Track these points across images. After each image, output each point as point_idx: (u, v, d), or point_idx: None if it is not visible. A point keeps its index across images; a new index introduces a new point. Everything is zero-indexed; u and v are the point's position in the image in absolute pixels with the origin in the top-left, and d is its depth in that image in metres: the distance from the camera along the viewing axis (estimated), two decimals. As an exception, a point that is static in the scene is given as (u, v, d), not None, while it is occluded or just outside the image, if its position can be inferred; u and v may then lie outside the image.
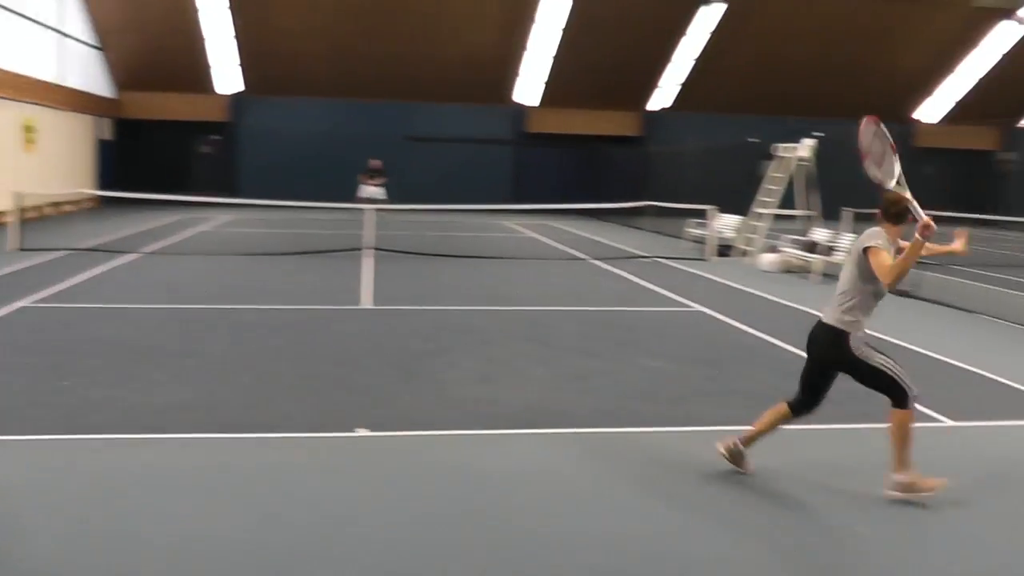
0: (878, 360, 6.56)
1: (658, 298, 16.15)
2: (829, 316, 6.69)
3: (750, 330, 13.06)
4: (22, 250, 20.36)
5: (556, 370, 10.27)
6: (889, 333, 13.01)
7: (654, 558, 5.57)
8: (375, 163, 34.10)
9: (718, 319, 14.02)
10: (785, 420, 6.98)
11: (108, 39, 38.14)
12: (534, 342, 11.83)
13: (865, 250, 6.45)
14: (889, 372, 6.53)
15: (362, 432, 7.83)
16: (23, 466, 6.99)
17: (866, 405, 7.99)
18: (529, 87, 42.02)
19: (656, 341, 12.10)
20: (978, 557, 5.80)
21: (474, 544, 5.68)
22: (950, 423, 8.71)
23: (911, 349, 12.07)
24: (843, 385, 6.94)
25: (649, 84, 42.54)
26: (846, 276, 6.67)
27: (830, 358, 6.73)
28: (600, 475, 6.97)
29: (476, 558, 5.49)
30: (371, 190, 33.56)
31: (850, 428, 8.47)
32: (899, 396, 6.54)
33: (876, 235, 6.54)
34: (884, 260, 6.33)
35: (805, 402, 6.93)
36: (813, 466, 7.37)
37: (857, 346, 6.56)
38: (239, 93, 41.11)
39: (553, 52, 39.67)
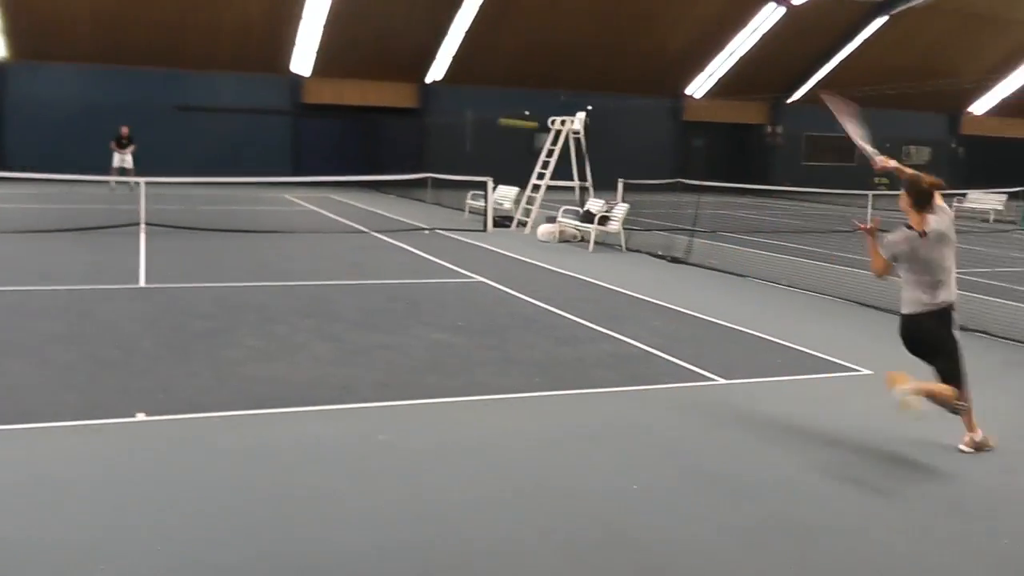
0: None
1: (439, 269, 16.28)
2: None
3: (529, 299, 13.32)
4: None
5: (339, 345, 10.24)
6: (663, 298, 13.54)
7: (450, 529, 5.65)
8: (124, 130, 33.10)
9: (498, 289, 14.25)
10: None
11: None
12: (316, 317, 11.74)
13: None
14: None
15: (141, 417, 7.62)
16: None
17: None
18: (304, 57, 41.40)
19: (438, 312, 12.20)
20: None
21: (260, 526, 5.62)
22: (723, 381, 9.10)
23: (685, 312, 12.57)
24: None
25: (425, 56, 42.58)
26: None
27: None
28: (386, 449, 7.01)
29: (262, 541, 5.44)
30: (121, 157, 32.64)
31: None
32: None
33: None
34: None
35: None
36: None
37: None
38: (2, 60, 39.04)
39: (324, 20, 39.14)
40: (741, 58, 45.05)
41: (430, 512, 5.86)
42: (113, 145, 33.08)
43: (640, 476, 6.56)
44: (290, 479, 6.37)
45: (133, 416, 7.62)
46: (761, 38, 43.67)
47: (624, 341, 10.72)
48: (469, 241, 20.53)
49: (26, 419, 7.58)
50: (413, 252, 18.39)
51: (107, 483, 6.27)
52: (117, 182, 31.33)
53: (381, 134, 42.33)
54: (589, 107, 23.67)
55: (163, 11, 37.66)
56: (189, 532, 5.51)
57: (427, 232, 22.02)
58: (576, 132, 23.21)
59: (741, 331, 11.52)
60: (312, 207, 29.25)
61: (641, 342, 10.64)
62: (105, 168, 31.52)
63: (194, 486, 6.22)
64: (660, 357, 10.00)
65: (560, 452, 7.03)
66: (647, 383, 9.06)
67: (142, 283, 14.25)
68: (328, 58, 41.19)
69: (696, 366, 9.60)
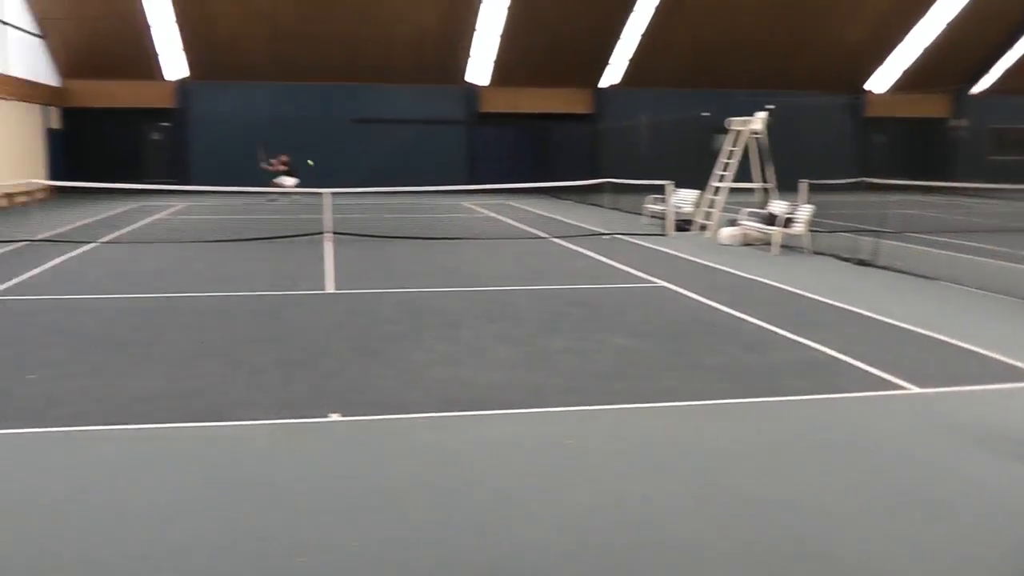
0: None
1: (620, 274, 16.19)
2: None
3: (713, 304, 13.12)
4: (-29, 243, 20.19)
5: (523, 350, 10.26)
6: (850, 302, 13.16)
7: (638, 533, 5.58)
8: (283, 157, 34.41)
9: (681, 294, 14.08)
10: None
11: (49, 27, 37.62)
12: (499, 322, 11.83)
13: None
14: None
15: (335, 417, 7.80)
16: (22, 455, 6.95)
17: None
18: (479, 66, 41.84)
19: (620, 318, 12.12)
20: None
21: (452, 527, 5.66)
22: (916, 389, 8.78)
23: (873, 318, 12.18)
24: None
25: (599, 61, 42.52)
26: None
27: None
28: (574, 453, 6.97)
29: (454, 542, 5.47)
30: (282, 178, 33.82)
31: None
32: None
33: None
34: None
35: None
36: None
37: None
38: (185, 79, 40.69)
39: (500, 30, 39.52)
40: (925, 49, 43.52)
41: (620, 518, 5.78)
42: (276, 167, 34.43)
43: (833, 489, 6.33)
44: (481, 481, 6.40)
45: (326, 416, 7.80)
46: (943, 27, 42.09)
47: (812, 347, 10.43)
48: (649, 245, 20.38)
49: (220, 417, 7.84)
50: (593, 257, 18.35)
51: (304, 481, 6.42)
52: (279, 193, 32.45)
53: (555, 140, 42.45)
54: (770, 106, 23.17)
55: (338, 27, 38.63)
56: (383, 531, 5.59)
57: (606, 237, 21.96)
58: (757, 132, 22.78)
59: (933, 337, 11.06)
60: (491, 213, 29.53)
61: (830, 348, 10.33)
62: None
63: (387, 485, 6.31)
64: (850, 364, 9.68)
65: (750, 461, 6.85)
66: (838, 391, 8.77)
67: (329, 289, 14.60)
68: (504, 67, 41.53)
69: (888, 373, 9.24)
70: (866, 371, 9.39)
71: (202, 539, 5.47)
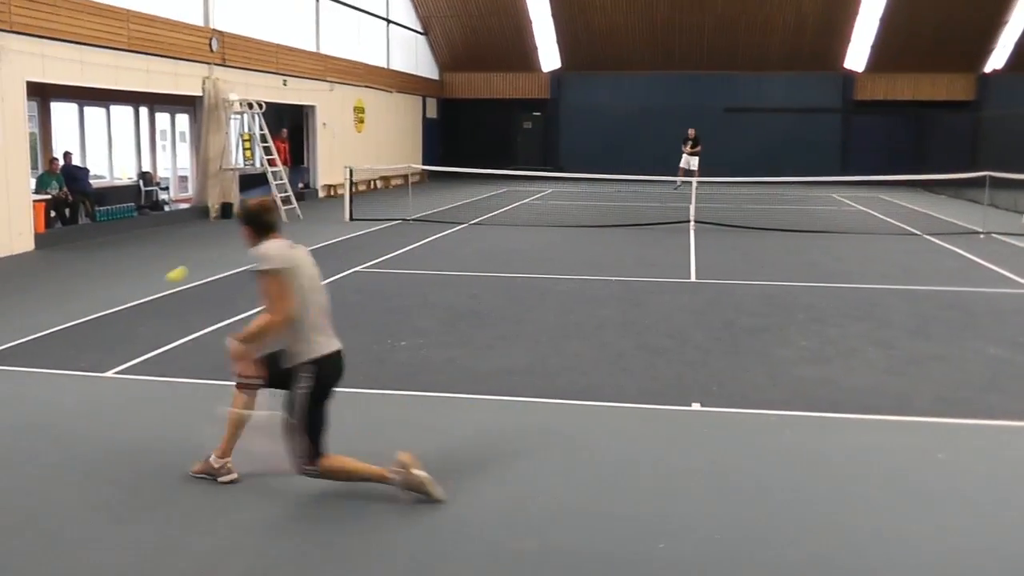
0: None
1: (997, 278, 15.28)
2: None
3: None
4: (353, 220, 21.72)
5: (892, 353, 9.93)
6: None
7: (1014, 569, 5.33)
8: (690, 132, 33.87)
9: (1067, 301, 13.17)
10: None
11: (431, 24, 39.83)
12: (867, 321, 11.49)
13: None
14: None
15: (696, 407, 7.89)
16: (365, 415, 7.64)
17: None
18: (858, 52, 40.50)
19: (997, 326, 11.44)
20: None
21: (811, 530, 5.61)
22: None
23: None
24: None
25: (983, 44, 40.08)
26: None
27: None
28: (945, 468, 6.71)
29: (813, 545, 5.42)
30: (688, 158, 33.41)
31: None
32: None
33: None
34: None
35: None
36: None
37: None
38: (557, 70, 41.85)
39: (880, 14, 38.13)
40: None
41: (996, 548, 5.52)
42: (683, 146, 34.06)
43: None
44: (843, 487, 6.30)
45: (689, 405, 7.92)
46: None
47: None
48: (1030, 247, 19.16)
49: (585, 396, 8.12)
50: (967, 257, 17.42)
51: (665, 466, 6.59)
52: (682, 181, 31.90)
53: (933, 129, 40.44)
54: None
55: (714, 15, 38.53)
56: (740, 526, 5.63)
57: (982, 236, 20.80)
58: None
59: None
60: (860, 207, 28.61)
61: None
62: (666, 171, 32.35)
63: (747, 481, 6.34)
64: None
65: None
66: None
67: (692, 278, 14.69)
68: (883, 52, 39.98)
69: None
70: None
71: (564, 512, 5.70)
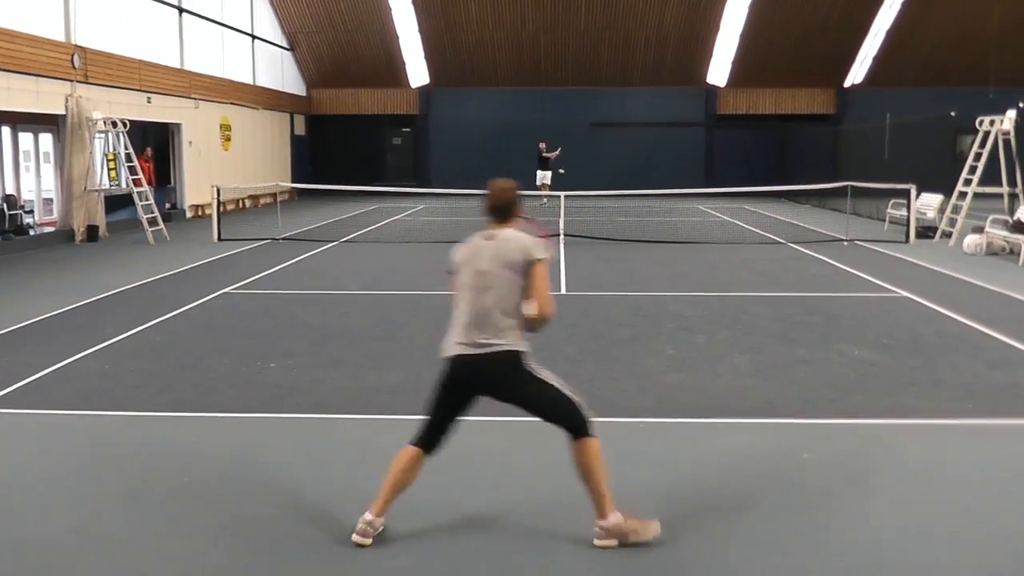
0: None
1: (859, 283, 15.72)
2: None
3: (956, 316, 12.56)
4: (221, 240, 21.39)
5: (758, 358, 10.12)
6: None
7: (889, 555, 5.44)
8: (542, 145, 33.99)
9: (922, 305, 13.52)
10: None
11: (297, 39, 39.59)
12: (733, 329, 11.69)
13: None
14: None
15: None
16: (232, 441, 7.48)
17: None
18: (719, 67, 41.39)
19: (860, 329, 11.75)
20: None
21: (679, 531, 5.65)
22: None
23: None
24: None
25: (843, 59, 41.41)
26: None
27: None
28: (811, 467, 6.83)
29: (684, 549, 5.46)
30: (542, 173, 33.49)
31: None
32: None
33: None
34: None
35: None
36: None
37: None
38: (426, 86, 41.89)
39: (740, 30, 39.04)
40: None
41: (862, 537, 5.64)
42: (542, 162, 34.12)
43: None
44: (711, 489, 6.39)
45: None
46: None
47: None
48: (889, 253, 19.69)
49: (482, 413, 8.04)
50: (831, 264, 17.89)
51: (537, 477, 6.53)
52: (548, 196, 31.89)
53: (794, 142, 41.54)
54: (1021, 104, 21.94)
55: (579, 31, 39.03)
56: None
57: (845, 243, 21.37)
58: (1006, 133, 21.64)
59: None
60: (726, 218, 29.19)
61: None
62: (529, 184, 32.38)
63: (615, 489, 6.33)
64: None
65: (999, 486, 6.58)
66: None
67: (563, 291, 14.76)
68: (744, 68, 40.98)
69: None
70: None
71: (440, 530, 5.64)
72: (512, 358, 5.58)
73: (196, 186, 29.40)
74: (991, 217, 20.13)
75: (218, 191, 23.21)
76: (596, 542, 5.46)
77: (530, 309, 5.58)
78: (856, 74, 42.00)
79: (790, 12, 38.08)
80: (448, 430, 5.76)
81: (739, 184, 31.72)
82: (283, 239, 22.10)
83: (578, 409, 5.59)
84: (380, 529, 5.54)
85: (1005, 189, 21.86)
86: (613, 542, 5.43)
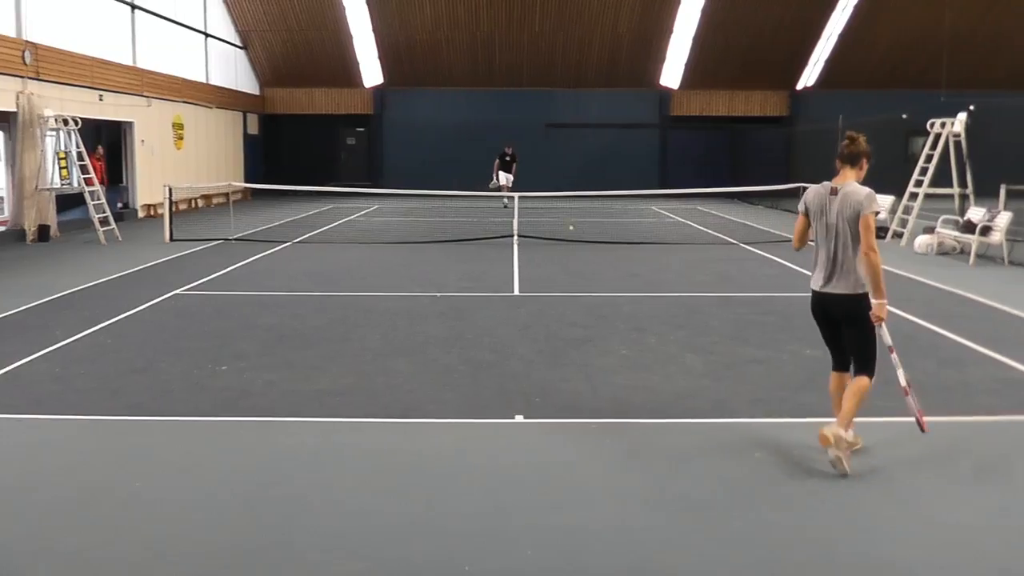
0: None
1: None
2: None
3: (907, 316, 12.67)
4: (173, 241, 21.20)
5: (711, 358, 10.16)
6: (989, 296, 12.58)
7: (812, 553, 5.48)
8: (508, 148, 33.70)
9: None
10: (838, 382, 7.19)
11: (250, 37, 39.32)
12: (686, 328, 11.73)
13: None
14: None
15: (519, 419, 7.90)
16: (185, 445, 7.35)
17: None
18: (673, 70, 41.57)
19: (811, 328, 11.64)
20: None
21: (641, 531, 5.66)
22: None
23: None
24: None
25: (795, 62, 41.72)
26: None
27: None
28: (762, 466, 6.86)
29: (639, 552, 5.47)
30: (504, 175, 33.15)
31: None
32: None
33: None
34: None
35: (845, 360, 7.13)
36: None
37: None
38: (380, 86, 41.75)
39: (693, 32, 39.22)
40: None
41: (815, 536, 5.67)
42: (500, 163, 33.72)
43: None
44: (662, 487, 6.40)
45: (512, 418, 7.91)
46: None
47: (1012, 366, 9.96)
48: (841, 253, 19.79)
49: (409, 414, 8.05)
50: (784, 264, 18.01)
51: (488, 479, 6.54)
52: (508, 198, 31.72)
53: (747, 144, 41.79)
54: (971, 107, 22.19)
55: (534, 33, 39.05)
56: (568, 536, 5.61)
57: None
58: (957, 135, 21.88)
59: None
60: (679, 219, 29.31)
61: (1030, 366, 9.89)
62: (483, 184, 32.15)
63: (573, 490, 6.35)
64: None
65: (950, 481, 6.63)
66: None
67: (516, 292, 14.75)
68: (697, 70, 41.20)
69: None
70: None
71: (381, 527, 5.62)
72: (851, 301, 6.84)
73: (148, 185, 29.10)
74: (942, 217, 20.38)
75: (170, 191, 22.95)
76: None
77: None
78: (809, 76, 42.30)
79: (743, 15, 38.30)
80: (843, 349, 7.06)
81: (693, 185, 31.93)
82: (236, 239, 21.94)
83: (873, 359, 6.85)
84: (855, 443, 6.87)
85: (956, 190, 22.10)
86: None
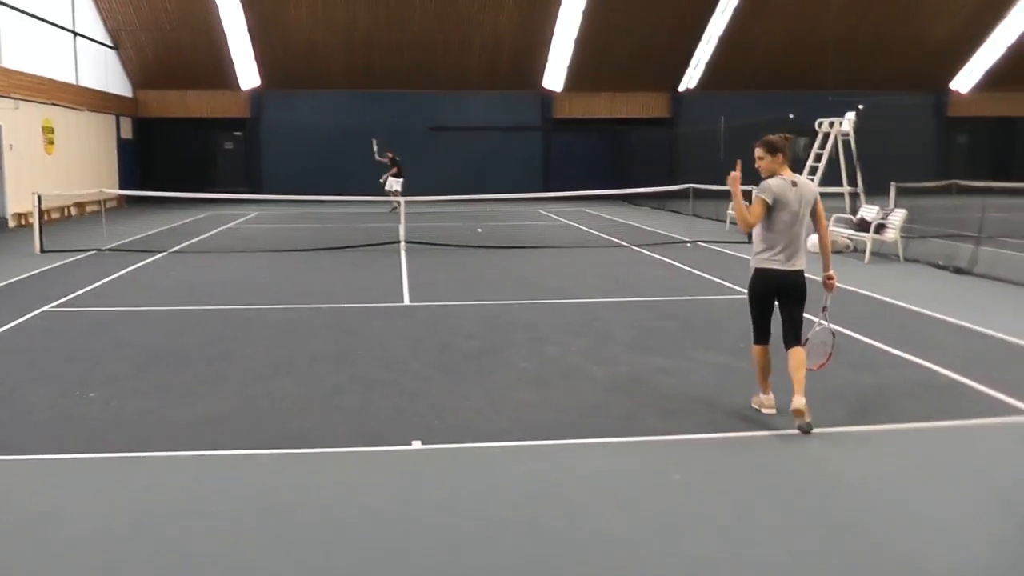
0: None
1: (708, 285, 15.50)
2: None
3: (811, 317, 12.27)
4: (44, 252, 20.04)
5: (615, 369, 9.62)
6: (954, 314, 12.40)
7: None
8: (389, 154, 32.95)
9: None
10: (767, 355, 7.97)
11: (121, 37, 37.95)
12: (587, 337, 11.20)
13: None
14: None
15: (416, 445, 7.24)
16: (46, 488, 6.47)
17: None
18: (555, 72, 41.40)
19: (716, 333, 11.40)
20: None
21: (546, 567, 5.09)
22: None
23: (981, 331, 11.39)
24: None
25: (677, 64, 41.89)
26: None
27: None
28: (683, 490, 6.34)
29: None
30: (392, 180, 32.42)
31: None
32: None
33: None
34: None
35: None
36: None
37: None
38: (257, 88, 40.73)
39: (575, 36, 39.08)
40: (1009, 47, 42.06)
41: (748, 559, 5.15)
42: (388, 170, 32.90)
43: (980, 527, 5.68)
44: (576, 519, 5.83)
45: (409, 444, 7.26)
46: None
47: (923, 366, 9.62)
48: (734, 254, 19.63)
49: (297, 443, 7.31)
50: (677, 266, 17.68)
51: (387, 516, 5.90)
52: (396, 203, 30.86)
53: (631, 146, 41.79)
54: (860, 106, 22.23)
55: (414, 34, 38.46)
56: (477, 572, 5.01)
57: (688, 245, 21.26)
58: (846, 134, 21.87)
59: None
60: (568, 221, 28.96)
61: (943, 367, 9.50)
62: (374, 189, 31.45)
63: (477, 523, 5.76)
64: (969, 386, 8.83)
65: (882, 496, 6.19)
66: (962, 417, 7.98)
67: (406, 301, 14.11)
68: (579, 73, 41.08)
69: (1013, 398, 8.45)
70: (988, 394, 8.58)
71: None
72: (802, 276, 7.89)
73: (19, 193, 27.56)
74: (834, 216, 20.26)
75: (39, 199, 21.69)
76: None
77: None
78: (690, 79, 42.46)
79: (624, 18, 38.23)
80: (769, 325, 7.88)
81: (577, 187, 31.53)
82: (109, 250, 20.84)
83: (801, 330, 7.89)
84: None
85: (846, 189, 22.11)
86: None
